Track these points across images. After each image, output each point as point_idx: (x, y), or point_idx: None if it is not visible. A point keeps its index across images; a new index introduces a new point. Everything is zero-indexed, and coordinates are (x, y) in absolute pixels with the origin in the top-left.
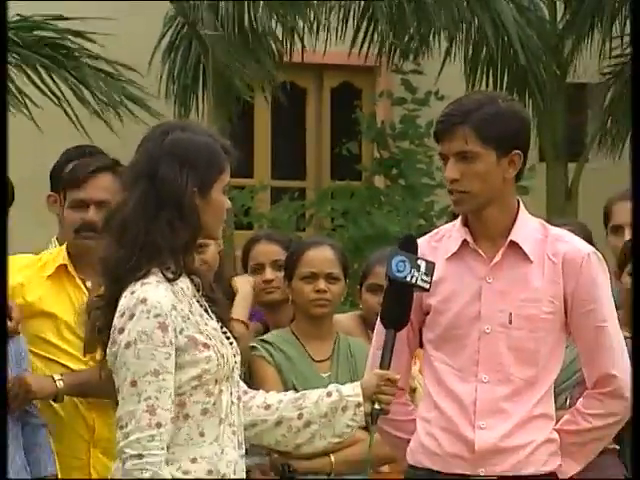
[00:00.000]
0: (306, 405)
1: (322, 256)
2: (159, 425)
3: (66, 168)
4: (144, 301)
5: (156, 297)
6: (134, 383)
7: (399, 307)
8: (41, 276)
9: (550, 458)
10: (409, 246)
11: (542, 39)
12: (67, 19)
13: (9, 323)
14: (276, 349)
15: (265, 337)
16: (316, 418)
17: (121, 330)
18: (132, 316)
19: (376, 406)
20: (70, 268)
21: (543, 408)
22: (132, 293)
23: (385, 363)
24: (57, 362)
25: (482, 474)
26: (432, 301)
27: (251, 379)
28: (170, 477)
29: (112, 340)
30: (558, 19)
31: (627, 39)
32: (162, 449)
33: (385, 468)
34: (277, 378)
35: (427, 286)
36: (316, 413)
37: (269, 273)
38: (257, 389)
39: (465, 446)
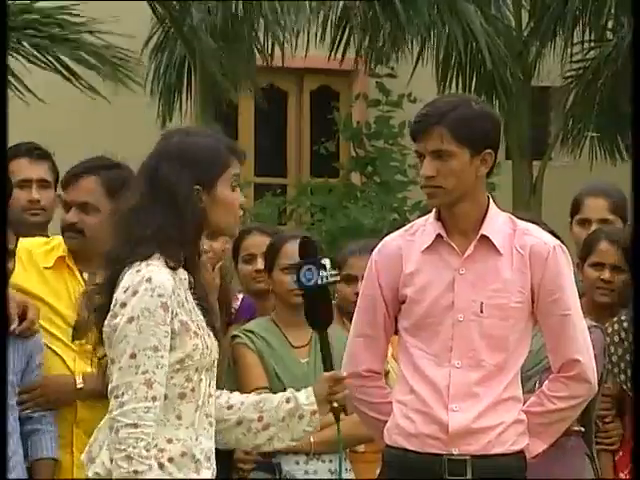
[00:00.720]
0: (266, 408)
1: None
2: (154, 399)
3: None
4: (149, 280)
5: (160, 278)
6: (133, 355)
7: (321, 309)
8: (42, 264)
9: (518, 438)
10: (309, 250)
11: (508, 45)
12: None
13: (16, 324)
14: (257, 337)
15: (246, 326)
16: (275, 421)
17: (123, 304)
18: (135, 292)
19: (334, 404)
20: (69, 260)
21: (512, 391)
22: (137, 272)
23: (327, 364)
24: (47, 346)
25: (455, 453)
26: (408, 291)
27: (235, 365)
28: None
29: (113, 313)
30: (523, 27)
31: (587, 45)
32: (155, 422)
33: (361, 448)
34: (259, 364)
35: (338, 278)
36: (275, 417)
37: (260, 263)
38: (241, 375)
39: (439, 427)
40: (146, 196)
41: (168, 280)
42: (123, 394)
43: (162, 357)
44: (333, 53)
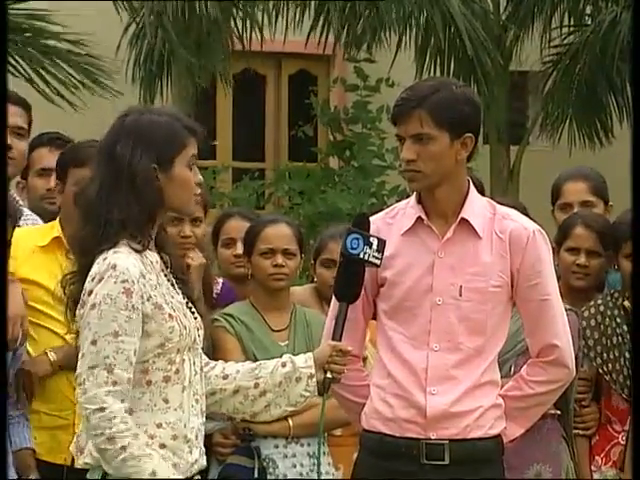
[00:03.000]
0: (262, 375)
1: (279, 233)
2: (115, 383)
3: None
4: (114, 267)
5: (125, 264)
6: (94, 342)
7: (352, 282)
8: (35, 246)
9: (496, 422)
10: (362, 224)
11: (486, 29)
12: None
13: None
14: (237, 320)
15: (226, 310)
16: (271, 387)
17: (90, 292)
18: (101, 280)
19: (328, 375)
20: (63, 240)
21: (490, 375)
22: (104, 259)
23: (337, 335)
24: (45, 327)
25: (433, 437)
26: (387, 274)
27: (214, 349)
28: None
29: (81, 302)
30: (501, 11)
31: (566, 30)
32: (122, 401)
33: (338, 432)
34: (238, 347)
35: (378, 262)
36: (271, 382)
37: (240, 248)
38: (220, 358)
39: (417, 411)
40: (107, 177)
41: (134, 266)
42: (85, 381)
43: (123, 342)
44: (311, 37)
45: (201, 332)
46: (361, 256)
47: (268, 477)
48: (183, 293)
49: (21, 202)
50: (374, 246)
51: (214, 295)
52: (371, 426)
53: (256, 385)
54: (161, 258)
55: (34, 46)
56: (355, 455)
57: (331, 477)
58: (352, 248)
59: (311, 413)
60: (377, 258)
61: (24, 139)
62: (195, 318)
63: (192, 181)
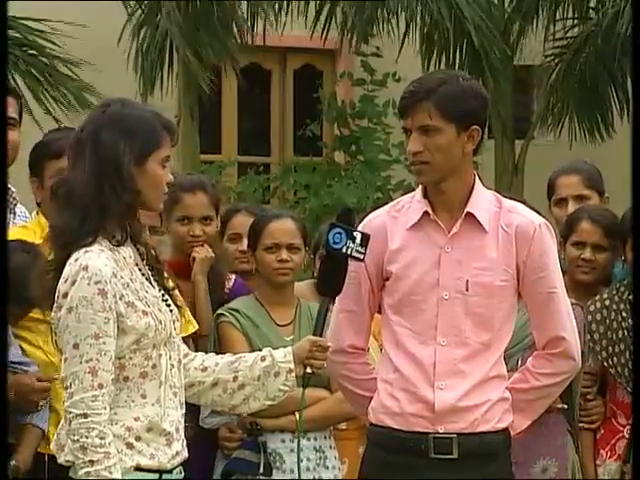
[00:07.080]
0: (241, 368)
1: (284, 228)
2: (101, 386)
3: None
4: (86, 268)
5: (97, 265)
6: (76, 346)
7: (334, 276)
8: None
9: (503, 415)
10: (346, 219)
11: (492, 22)
12: (35, 20)
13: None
14: (242, 315)
15: (231, 305)
16: (250, 381)
17: (64, 295)
18: (74, 282)
19: (308, 370)
20: None
21: (498, 370)
22: (75, 260)
23: (318, 330)
24: (44, 321)
25: (441, 431)
26: (392, 268)
27: (220, 344)
28: (113, 436)
29: (57, 305)
30: (506, 4)
31: (569, 22)
32: (105, 408)
33: (343, 425)
34: (244, 342)
35: (362, 257)
36: (250, 376)
37: (245, 244)
38: (226, 353)
39: (425, 406)
40: (91, 166)
41: (106, 265)
42: (71, 385)
43: (104, 343)
44: (315, 31)
45: (177, 324)
46: (344, 250)
47: (275, 471)
48: (159, 285)
49: (15, 195)
50: (357, 240)
51: (226, 290)
52: (379, 420)
53: (235, 378)
54: (137, 250)
55: (32, 64)
56: (360, 449)
57: (337, 471)
58: (334, 243)
59: (318, 407)
60: (360, 252)
61: (16, 129)
62: (171, 310)
63: (163, 180)
